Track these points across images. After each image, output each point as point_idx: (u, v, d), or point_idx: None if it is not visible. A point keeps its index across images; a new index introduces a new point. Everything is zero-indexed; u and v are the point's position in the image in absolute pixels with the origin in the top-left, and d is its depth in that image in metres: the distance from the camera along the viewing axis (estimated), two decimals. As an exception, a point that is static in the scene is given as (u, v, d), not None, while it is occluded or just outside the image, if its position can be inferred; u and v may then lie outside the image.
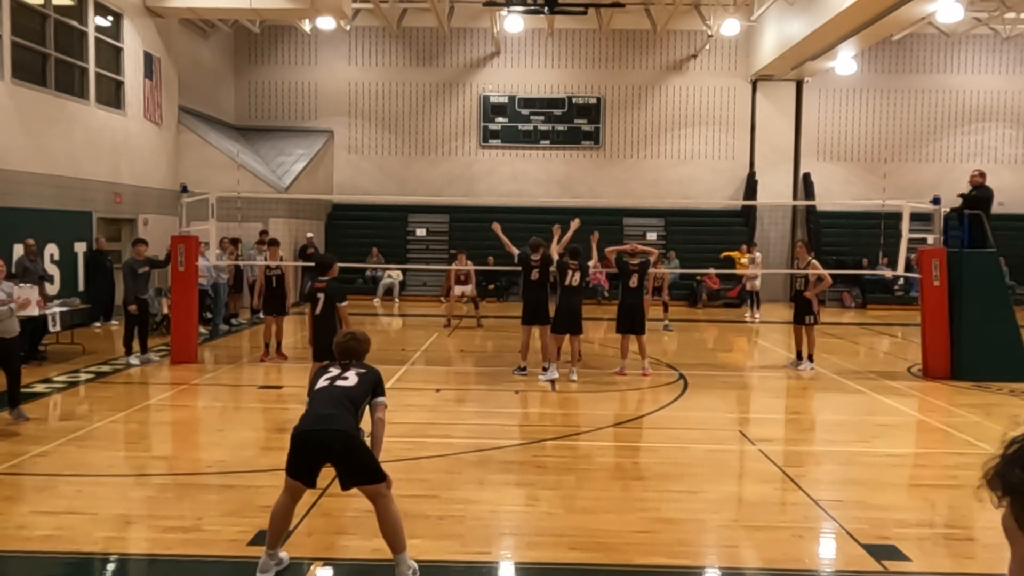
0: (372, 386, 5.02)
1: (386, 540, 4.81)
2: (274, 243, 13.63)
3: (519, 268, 11.59)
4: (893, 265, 18.13)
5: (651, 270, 12.24)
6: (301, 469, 4.74)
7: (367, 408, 5.03)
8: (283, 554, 4.96)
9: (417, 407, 9.74)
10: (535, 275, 11.30)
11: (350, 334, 5.29)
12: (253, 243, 18.11)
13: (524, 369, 11.60)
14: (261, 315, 13.70)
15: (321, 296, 8.79)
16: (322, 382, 5.01)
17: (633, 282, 11.57)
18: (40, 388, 10.41)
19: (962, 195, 12.59)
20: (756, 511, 6.16)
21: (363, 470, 4.75)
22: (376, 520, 4.80)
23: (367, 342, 5.29)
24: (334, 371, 5.07)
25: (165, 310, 14.86)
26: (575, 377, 11.24)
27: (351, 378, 4.99)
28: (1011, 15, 23.11)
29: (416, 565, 4.85)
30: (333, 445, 4.69)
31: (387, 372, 11.67)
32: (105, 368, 11.87)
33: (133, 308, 12.12)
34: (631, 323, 11.64)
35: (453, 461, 7.39)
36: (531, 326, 11.48)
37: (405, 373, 11.83)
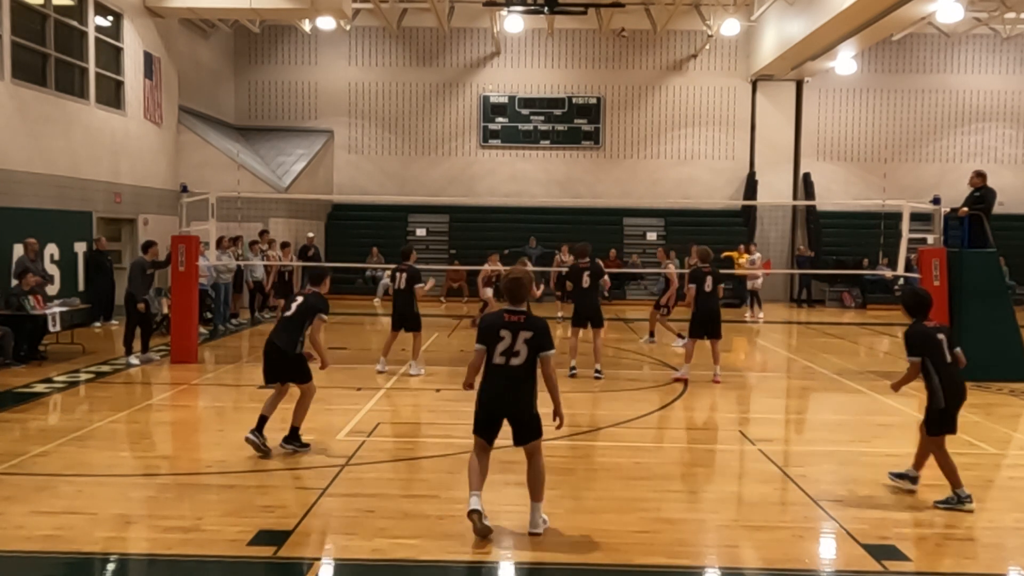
0: (540, 343, 5.42)
1: (531, 489, 5.50)
2: (285, 245, 14.24)
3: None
4: (893, 265, 18.13)
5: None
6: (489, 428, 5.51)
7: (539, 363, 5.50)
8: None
9: (417, 407, 9.75)
10: (586, 281, 11.56)
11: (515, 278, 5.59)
12: (249, 243, 18.12)
13: (573, 370, 11.69)
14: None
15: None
16: (498, 359, 5.41)
17: (708, 285, 11.30)
18: (40, 388, 10.40)
19: (970, 198, 12.45)
20: (756, 511, 6.16)
21: (530, 426, 5.48)
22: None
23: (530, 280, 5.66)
24: (507, 340, 5.40)
25: (165, 310, 14.87)
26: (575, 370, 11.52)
27: (521, 354, 5.40)
28: (1011, 15, 23.11)
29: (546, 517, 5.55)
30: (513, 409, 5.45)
31: (387, 372, 11.70)
32: (105, 368, 11.87)
33: (142, 306, 12.14)
34: (707, 328, 11.36)
35: (453, 461, 7.38)
36: (580, 328, 11.76)
37: (405, 373, 11.82)
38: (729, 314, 21.41)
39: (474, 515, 5.35)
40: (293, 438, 7.48)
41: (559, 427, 5.59)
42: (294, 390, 7.57)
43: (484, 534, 5.33)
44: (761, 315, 19.98)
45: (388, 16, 24.50)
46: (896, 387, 6.51)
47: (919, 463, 6.46)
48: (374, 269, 23.94)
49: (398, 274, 11.59)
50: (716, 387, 11.08)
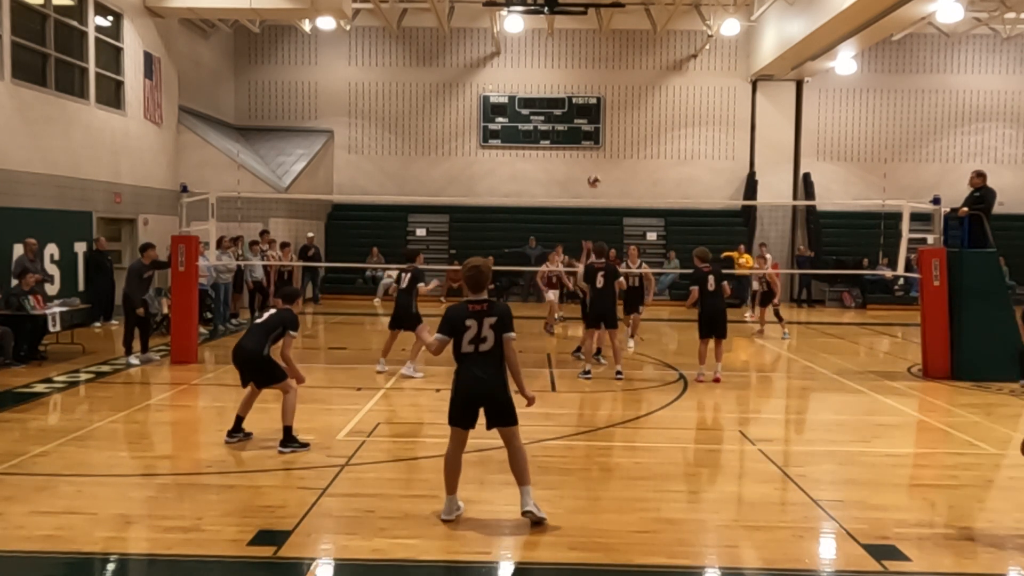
0: (504, 326, 5.62)
1: (516, 474, 5.62)
2: (284, 245, 15.45)
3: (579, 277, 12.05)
4: (893, 265, 18.14)
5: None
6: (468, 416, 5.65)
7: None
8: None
9: (417, 407, 9.75)
10: (600, 281, 11.52)
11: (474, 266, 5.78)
12: (249, 243, 18.12)
13: (588, 372, 11.67)
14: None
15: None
16: (467, 347, 5.59)
17: (711, 285, 11.35)
18: (40, 388, 10.40)
19: (970, 198, 12.42)
20: (756, 511, 6.15)
21: (505, 409, 5.63)
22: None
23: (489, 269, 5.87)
24: (473, 328, 5.57)
25: (165, 310, 14.87)
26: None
27: (489, 340, 5.56)
28: (1011, 15, 23.12)
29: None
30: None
31: (387, 372, 11.69)
32: (105, 368, 11.87)
33: (141, 311, 12.12)
34: (713, 327, 11.41)
35: (453, 461, 7.39)
36: (595, 329, 11.74)
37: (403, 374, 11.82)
38: (730, 314, 21.34)
39: (449, 524, 5.58)
40: (289, 440, 7.51)
41: (528, 406, 5.78)
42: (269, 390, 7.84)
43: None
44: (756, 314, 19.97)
45: (388, 16, 24.50)
46: None
47: None
48: (374, 269, 23.94)
49: (403, 274, 11.65)
50: (716, 387, 11.09)
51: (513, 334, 5.65)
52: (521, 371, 5.78)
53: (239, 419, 7.86)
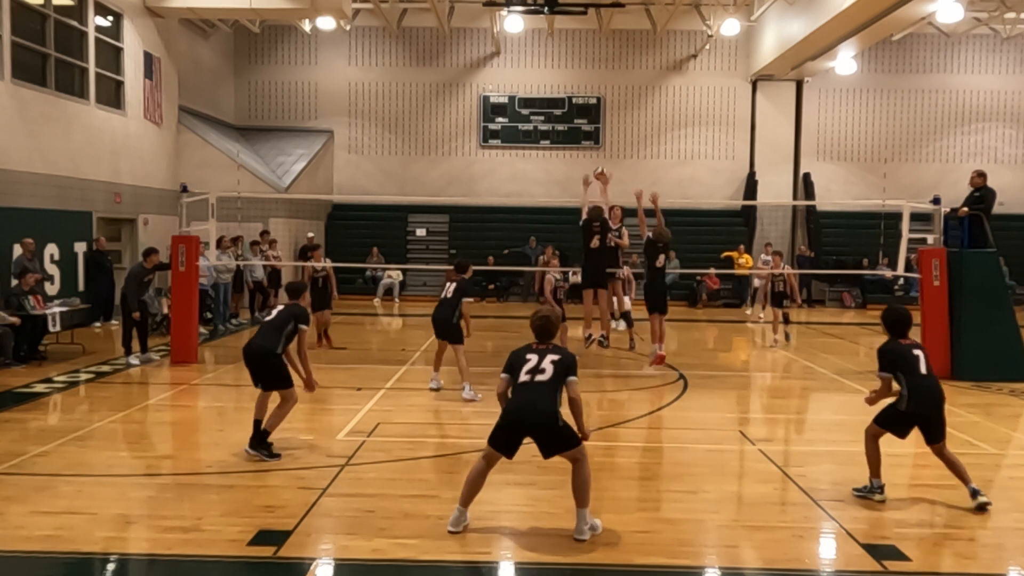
0: (567, 368, 5.57)
1: (575, 494, 5.50)
2: (316, 247, 15.85)
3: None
4: (893, 265, 18.14)
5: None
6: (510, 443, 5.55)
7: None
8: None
9: (417, 407, 9.74)
10: (595, 243, 11.55)
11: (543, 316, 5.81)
12: (250, 243, 18.11)
13: (591, 338, 11.65)
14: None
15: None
16: (523, 376, 5.53)
17: (660, 262, 11.55)
18: (40, 388, 10.40)
19: (970, 198, 12.42)
20: (756, 511, 6.16)
21: (557, 438, 5.53)
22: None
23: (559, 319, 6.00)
24: (533, 361, 5.56)
25: (165, 310, 14.87)
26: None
27: (547, 372, 5.51)
28: (1011, 15, 23.11)
29: (599, 523, 5.57)
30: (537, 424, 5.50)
31: (387, 372, 11.72)
32: (105, 368, 11.87)
33: (137, 315, 12.11)
34: (654, 303, 11.60)
35: (453, 461, 7.40)
36: (591, 290, 11.69)
37: (405, 373, 11.83)
38: (730, 314, 21.44)
39: (452, 535, 5.47)
40: (261, 444, 7.21)
41: (583, 439, 5.67)
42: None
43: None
44: (762, 315, 19.98)
45: (388, 16, 24.50)
46: (871, 402, 6.73)
47: (963, 478, 6.37)
48: (374, 269, 23.93)
49: (448, 284, 10.93)
50: (716, 387, 11.08)
51: (577, 379, 5.57)
52: (583, 412, 5.70)
53: (257, 423, 7.35)
